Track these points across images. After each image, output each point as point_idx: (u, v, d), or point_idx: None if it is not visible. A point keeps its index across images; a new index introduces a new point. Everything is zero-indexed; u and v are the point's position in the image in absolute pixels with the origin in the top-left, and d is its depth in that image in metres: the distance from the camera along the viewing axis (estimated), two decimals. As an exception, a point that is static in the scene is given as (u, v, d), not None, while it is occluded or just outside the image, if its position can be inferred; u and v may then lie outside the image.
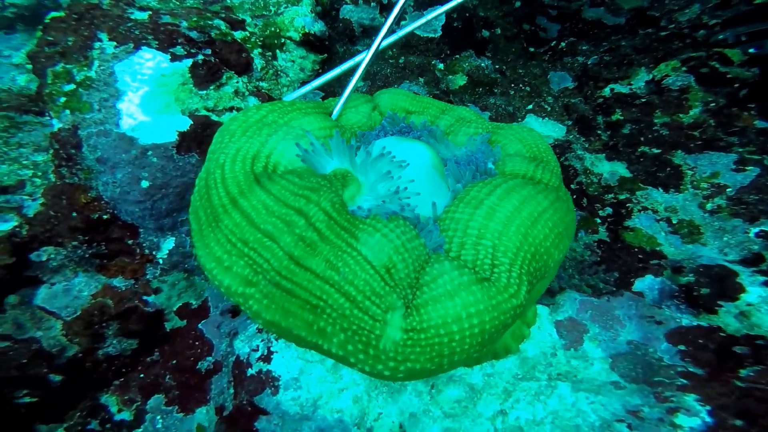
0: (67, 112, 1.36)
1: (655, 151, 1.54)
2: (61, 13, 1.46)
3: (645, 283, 1.34)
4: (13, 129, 1.61)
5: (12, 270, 1.31)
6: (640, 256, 1.38)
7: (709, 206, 1.40)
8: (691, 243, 1.36)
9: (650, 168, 1.52)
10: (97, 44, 1.39)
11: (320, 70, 1.92)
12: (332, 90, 1.95)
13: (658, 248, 1.38)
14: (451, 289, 0.86)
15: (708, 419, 1.00)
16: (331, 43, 2.05)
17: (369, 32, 2.11)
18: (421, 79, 1.97)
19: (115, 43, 1.39)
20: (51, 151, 1.41)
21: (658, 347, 1.13)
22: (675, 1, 2.21)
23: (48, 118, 1.78)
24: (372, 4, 2.09)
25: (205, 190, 0.99)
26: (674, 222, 1.41)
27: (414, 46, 2.00)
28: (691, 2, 1.95)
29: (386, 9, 2.05)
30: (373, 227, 0.87)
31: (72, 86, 1.37)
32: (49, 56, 1.40)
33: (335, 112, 1.28)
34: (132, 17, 1.49)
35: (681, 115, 1.55)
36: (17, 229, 1.31)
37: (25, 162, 1.54)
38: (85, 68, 1.37)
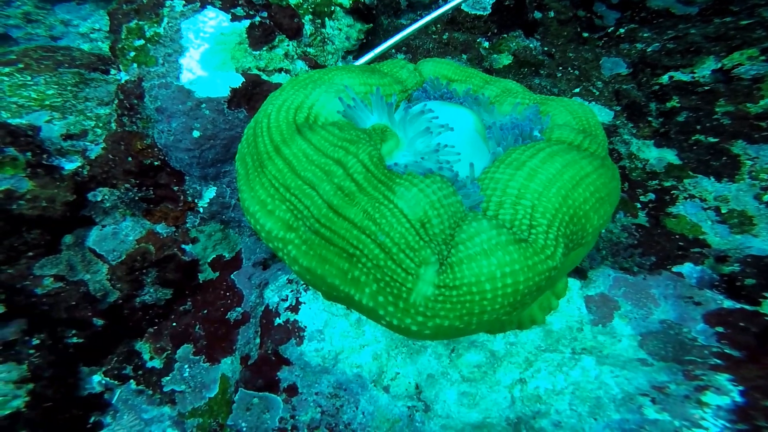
0: (135, 65, 1.44)
1: (712, 140, 1.46)
2: None
3: (684, 270, 1.29)
4: (81, 84, 1.72)
5: (72, 207, 1.41)
6: (680, 243, 1.32)
7: (766, 198, 1.32)
8: (741, 233, 1.29)
9: (703, 156, 1.44)
10: (168, 2, 1.47)
11: (365, 41, 1.93)
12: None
13: (701, 237, 1.32)
14: (488, 248, 0.86)
15: (739, 399, 0.96)
16: (377, 14, 2.05)
17: (415, 6, 2.10)
18: (464, 56, 1.95)
19: (184, 2, 1.46)
20: (116, 101, 1.50)
21: (693, 327, 1.10)
22: None
23: (112, 75, 1.89)
24: (422, -21, 2.08)
25: (252, 137, 1.03)
26: (724, 212, 1.34)
27: (460, 23, 1.98)
28: None
29: (435, -15, 2.03)
30: (409, 182, 0.88)
31: (142, 41, 1.45)
32: (125, 13, 1.49)
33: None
34: (201, -23, 1.55)
35: (749, 105, 1.46)
36: (80, 169, 1.41)
37: (89, 114, 1.65)
38: (155, 25, 1.45)
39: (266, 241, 1.01)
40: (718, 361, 1.05)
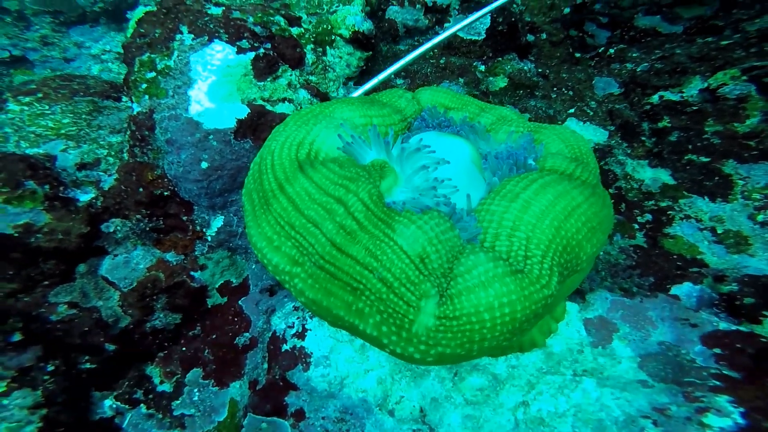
0: (146, 97, 1.50)
1: (704, 159, 1.49)
2: (153, 8, 1.61)
3: (683, 290, 1.31)
4: (95, 112, 1.79)
5: (86, 238, 1.47)
6: (678, 263, 1.35)
7: (760, 218, 1.35)
8: (737, 253, 1.32)
9: (696, 176, 1.48)
10: (178, 36, 1.53)
11: (365, 67, 1.99)
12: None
13: (699, 257, 1.34)
14: (485, 280, 0.90)
15: (740, 420, 0.98)
16: (376, 42, 2.12)
17: (412, 32, 2.17)
18: (461, 80, 2.01)
19: (193, 36, 1.53)
20: (128, 132, 1.56)
21: (691, 349, 1.12)
22: (745, 11, 2.12)
23: (124, 102, 1.97)
24: (417, 6, 2.15)
25: (258, 174, 1.08)
26: (719, 232, 1.37)
27: (456, 48, 2.04)
28: (764, 11, 1.88)
29: (431, 11, 2.10)
30: (408, 219, 0.93)
31: (153, 74, 1.52)
32: (139, 46, 1.56)
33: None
34: (209, 12, 1.62)
35: (736, 124, 1.50)
36: (94, 200, 1.47)
37: (102, 143, 1.71)
38: (166, 58, 1.52)
39: (273, 274, 1.05)
40: (717, 383, 1.07)
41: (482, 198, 1.05)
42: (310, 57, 1.85)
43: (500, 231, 0.96)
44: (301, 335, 1.32)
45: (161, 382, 1.71)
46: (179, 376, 1.70)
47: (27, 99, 1.93)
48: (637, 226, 1.49)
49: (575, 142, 1.16)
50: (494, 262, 0.91)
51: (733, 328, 1.12)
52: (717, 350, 1.11)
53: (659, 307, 1.18)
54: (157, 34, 1.58)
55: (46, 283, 1.52)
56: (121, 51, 4.90)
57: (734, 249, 1.33)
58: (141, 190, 1.49)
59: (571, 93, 1.98)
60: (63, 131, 1.81)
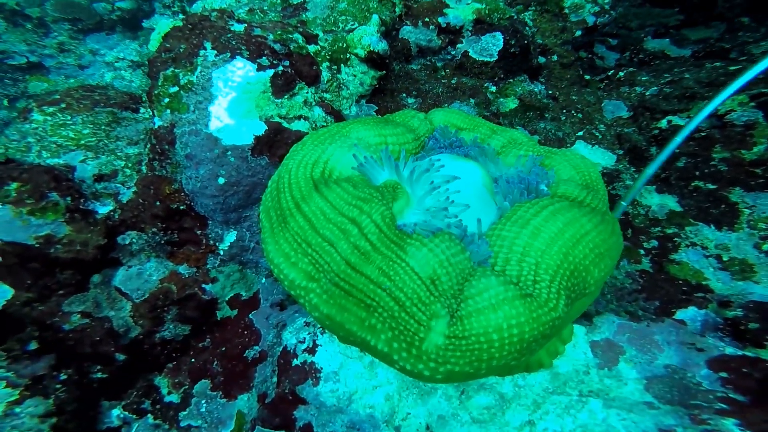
0: (168, 111, 1.54)
1: (710, 186, 1.51)
2: (180, 23, 1.66)
3: (687, 314, 1.33)
4: (114, 123, 1.85)
5: (103, 250, 1.50)
6: (684, 288, 1.37)
7: (766, 247, 1.36)
8: (743, 280, 1.33)
9: (703, 204, 1.50)
10: (202, 52, 1.58)
11: (377, 86, 2.04)
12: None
13: (704, 282, 1.36)
14: (495, 303, 0.93)
15: None
16: (390, 61, 2.17)
17: (425, 52, 2.22)
18: (472, 100, 2.05)
19: (216, 52, 1.57)
20: (148, 145, 1.60)
21: (697, 373, 1.13)
22: (750, 33, 2.16)
23: (142, 114, 2.02)
24: (431, 27, 2.21)
25: (276, 192, 1.12)
26: (725, 259, 1.39)
27: (468, 69, 2.09)
28: None
29: (444, 32, 2.15)
30: (419, 242, 0.96)
31: (176, 88, 1.56)
32: (164, 61, 1.60)
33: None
34: (232, 29, 1.67)
35: (743, 152, 1.52)
36: (112, 213, 1.51)
37: (119, 154, 1.76)
38: (189, 73, 1.56)
39: (288, 289, 1.08)
40: (724, 406, 1.08)
41: (493, 222, 1.08)
42: (325, 75, 1.90)
43: (511, 256, 0.98)
44: (311, 350, 1.35)
45: (169, 393, 1.73)
46: (187, 387, 1.72)
47: (51, 109, 1.98)
48: (643, 252, 1.51)
49: (585, 169, 1.19)
50: (505, 285, 0.94)
51: (739, 353, 1.13)
52: (723, 374, 1.12)
53: (665, 331, 1.20)
54: (182, 50, 1.63)
55: (61, 292, 1.56)
56: (135, 59, 4.98)
57: (739, 276, 1.34)
58: (158, 203, 1.53)
59: (580, 115, 2.01)
60: (83, 142, 1.86)
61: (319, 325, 1.44)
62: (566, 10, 2.38)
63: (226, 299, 1.73)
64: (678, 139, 0.80)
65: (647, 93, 1.96)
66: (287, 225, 1.03)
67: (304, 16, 2.17)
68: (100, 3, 4.74)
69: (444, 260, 0.94)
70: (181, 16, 1.82)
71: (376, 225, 0.96)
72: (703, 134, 1.63)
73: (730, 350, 1.14)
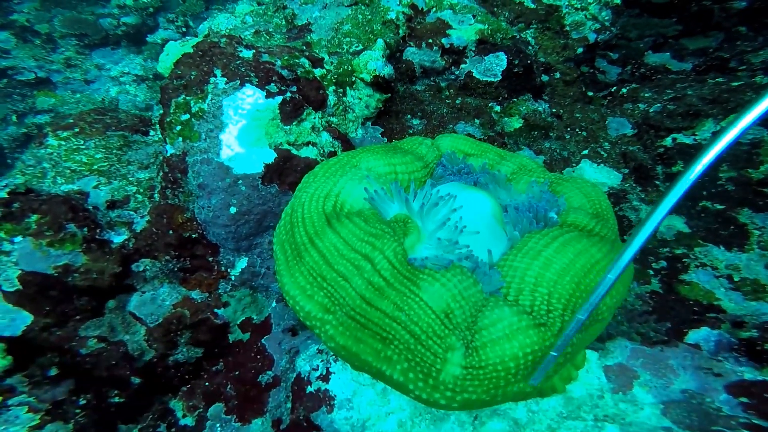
0: (180, 139, 1.56)
1: (718, 207, 1.52)
2: (190, 50, 1.69)
3: (700, 335, 1.33)
4: (125, 147, 1.87)
5: (117, 277, 1.53)
6: (695, 308, 1.37)
7: (777, 267, 1.37)
8: (755, 300, 1.34)
9: (711, 225, 1.50)
10: (212, 79, 1.60)
11: (383, 108, 2.06)
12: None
13: (716, 302, 1.36)
14: (509, 333, 0.95)
15: None
16: (395, 84, 2.20)
17: (429, 73, 2.25)
18: (477, 121, 2.07)
19: (226, 79, 1.60)
20: (161, 174, 1.63)
21: (716, 398, 1.13)
22: (748, 42, 2.17)
23: (151, 137, 2.05)
24: (435, 48, 2.24)
25: (290, 226, 1.14)
26: (736, 279, 1.39)
27: (472, 89, 2.11)
28: (767, 43, 1.93)
29: (447, 53, 2.18)
30: (432, 277, 0.98)
31: (187, 116, 1.58)
32: (175, 88, 1.62)
33: None
34: (241, 55, 1.70)
35: (750, 171, 1.53)
36: (126, 242, 1.54)
37: (131, 179, 1.79)
38: (200, 101, 1.58)
39: (304, 320, 1.10)
40: (748, 432, 1.08)
41: (504, 252, 1.10)
42: (331, 98, 1.93)
43: (523, 286, 1.00)
44: (325, 378, 1.36)
45: (184, 416, 1.74)
46: (201, 410, 1.73)
47: (65, 134, 2.00)
48: (652, 272, 1.51)
49: (596, 197, 1.21)
50: (518, 316, 0.96)
51: (759, 378, 1.13)
52: (744, 399, 1.12)
53: (680, 356, 1.20)
54: (192, 77, 1.65)
55: (78, 317, 1.58)
56: (140, 73, 5.04)
57: (752, 296, 1.34)
58: (171, 232, 1.55)
59: (584, 134, 2.03)
60: (96, 167, 1.88)
61: (332, 353, 1.45)
62: (567, 28, 2.41)
63: (238, 323, 1.74)
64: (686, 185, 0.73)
65: (651, 110, 1.98)
66: (302, 259, 1.05)
67: (308, 37, 2.21)
68: (106, 18, 4.83)
69: (457, 294, 0.96)
70: (188, 39, 1.85)
71: (389, 261, 0.98)
72: (708, 153, 1.63)
73: (749, 375, 1.14)
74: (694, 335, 1.36)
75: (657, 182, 1.74)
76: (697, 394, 1.16)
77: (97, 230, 1.52)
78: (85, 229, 1.47)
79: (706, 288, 1.41)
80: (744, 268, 1.41)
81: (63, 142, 1.98)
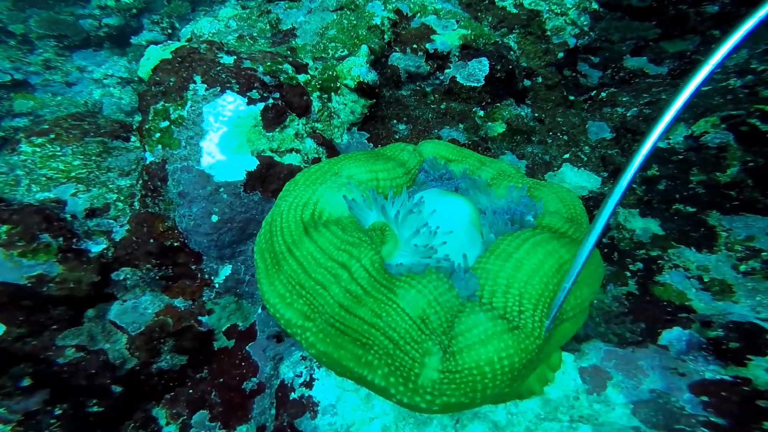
0: (159, 147, 1.55)
1: (690, 209, 1.57)
2: (169, 56, 1.66)
3: (673, 335, 1.37)
4: (104, 154, 1.85)
5: (96, 287, 1.51)
6: (668, 309, 1.41)
7: (743, 268, 1.42)
8: (722, 300, 1.39)
9: (684, 227, 1.55)
10: (191, 86, 1.58)
11: (368, 114, 2.07)
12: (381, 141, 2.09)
13: (687, 303, 1.41)
14: (485, 338, 0.98)
15: None
16: (380, 89, 2.22)
17: (414, 78, 2.27)
18: (461, 125, 2.10)
19: (206, 86, 1.58)
20: (140, 181, 1.61)
21: (680, 397, 1.17)
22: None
23: (132, 142, 2.02)
24: (419, 53, 2.26)
25: (269, 234, 1.15)
26: (706, 280, 1.44)
27: (456, 94, 2.14)
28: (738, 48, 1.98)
29: (432, 58, 2.21)
30: (408, 284, 1.00)
31: (167, 123, 1.56)
32: (153, 95, 1.61)
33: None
34: (221, 61, 1.68)
35: (718, 174, 1.58)
36: (105, 251, 1.52)
37: (111, 186, 1.76)
38: (180, 107, 1.57)
39: (285, 327, 1.11)
40: (706, 430, 1.12)
41: (479, 255, 1.12)
42: (316, 104, 1.93)
43: (496, 288, 1.03)
44: (308, 384, 1.36)
45: (167, 424, 1.72)
46: (185, 417, 1.72)
47: (39, 140, 1.96)
48: (629, 274, 1.56)
49: (571, 202, 1.24)
50: (493, 321, 0.98)
51: (719, 377, 1.18)
52: (704, 398, 1.16)
53: (650, 356, 1.24)
54: (171, 83, 1.64)
55: (55, 327, 1.56)
56: (124, 75, 4.94)
57: (719, 296, 1.39)
58: (152, 241, 1.54)
59: (566, 138, 2.07)
60: (73, 174, 1.84)
61: (314, 360, 1.46)
62: (548, 33, 2.46)
63: (223, 330, 1.74)
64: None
65: (628, 114, 2.03)
66: (281, 268, 1.06)
67: (293, 42, 2.21)
68: (87, 20, 4.73)
69: (432, 300, 0.97)
70: (169, 43, 1.83)
71: (365, 269, 0.99)
72: (680, 157, 1.69)
73: (709, 375, 1.19)
74: (667, 335, 1.40)
75: (634, 185, 1.79)
76: (664, 394, 1.21)
77: (74, 240, 1.50)
78: (61, 238, 1.45)
79: (678, 289, 1.46)
80: (713, 269, 1.46)
81: (38, 149, 1.93)
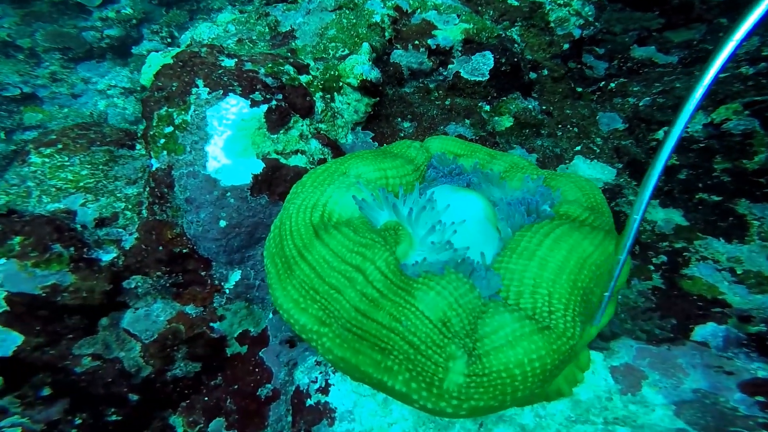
0: (165, 153, 1.53)
1: (715, 198, 1.50)
2: (170, 61, 1.64)
3: (707, 330, 1.30)
4: (111, 162, 1.83)
5: (108, 295, 1.49)
6: (699, 303, 1.35)
7: (780, 258, 1.35)
8: (761, 293, 1.31)
9: (709, 216, 1.49)
10: (194, 90, 1.56)
11: (372, 112, 2.04)
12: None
13: (720, 297, 1.34)
14: (513, 340, 0.93)
15: None
16: (383, 87, 2.18)
17: (417, 75, 2.23)
18: (467, 121, 2.06)
19: (208, 90, 1.56)
20: (147, 189, 1.59)
21: (730, 397, 1.10)
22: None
23: (138, 150, 2.00)
24: (421, 49, 2.22)
25: (279, 239, 1.11)
26: (739, 272, 1.37)
27: (461, 89, 2.10)
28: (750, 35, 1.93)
29: (434, 54, 2.17)
30: (426, 285, 0.95)
31: (171, 128, 1.53)
32: (157, 101, 1.58)
33: None
34: (222, 65, 1.66)
35: (745, 161, 1.51)
36: (116, 259, 1.50)
37: (119, 195, 1.75)
38: (183, 112, 1.54)
39: (299, 333, 1.07)
40: (768, 433, 1.05)
41: (497, 253, 1.07)
42: (319, 105, 1.90)
43: (522, 289, 0.98)
44: (324, 390, 1.32)
45: (184, 432, 1.70)
46: (202, 425, 1.70)
47: (48, 150, 1.95)
48: (652, 268, 1.49)
49: (591, 191, 1.19)
50: (521, 322, 0.93)
51: (772, 375, 1.10)
52: (759, 398, 1.09)
53: (688, 354, 1.17)
54: (174, 88, 1.61)
55: (71, 336, 1.54)
56: (127, 86, 4.98)
57: (757, 289, 1.32)
58: (161, 248, 1.52)
59: (576, 130, 2.02)
60: (82, 183, 1.84)
61: (330, 365, 1.42)
62: (552, 24, 2.40)
63: (235, 336, 1.71)
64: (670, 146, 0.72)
65: (640, 104, 1.97)
66: (293, 272, 1.02)
67: (293, 44, 2.18)
68: (89, 31, 4.77)
69: (453, 302, 0.93)
70: (170, 50, 1.81)
71: (381, 272, 0.95)
72: (702, 145, 1.63)
73: (762, 373, 1.12)
74: (700, 331, 1.34)
75: (652, 175, 1.72)
76: (710, 394, 1.14)
77: (85, 249, 1.48)
78: (72, 248, 1.43)
79: (708, 282, 1.39)
80: (746, 260, 1.39)
81: (47, 159, 1.93)
